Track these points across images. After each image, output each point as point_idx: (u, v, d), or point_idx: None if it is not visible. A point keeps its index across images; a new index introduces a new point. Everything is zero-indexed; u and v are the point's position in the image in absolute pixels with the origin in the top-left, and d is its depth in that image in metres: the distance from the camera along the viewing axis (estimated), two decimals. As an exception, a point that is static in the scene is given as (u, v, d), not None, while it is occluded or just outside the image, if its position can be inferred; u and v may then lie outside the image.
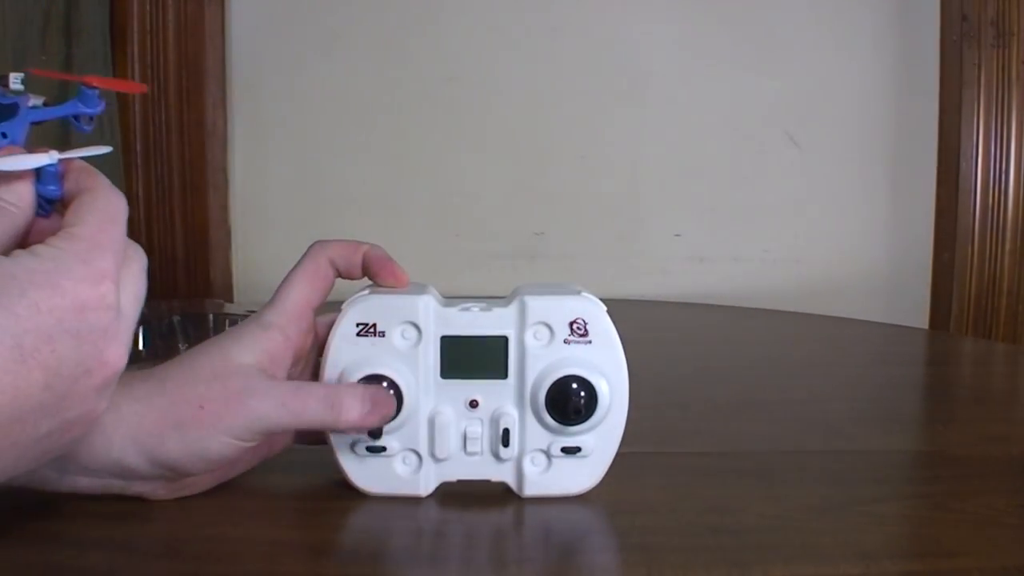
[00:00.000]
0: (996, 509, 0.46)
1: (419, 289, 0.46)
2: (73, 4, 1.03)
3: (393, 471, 0.46)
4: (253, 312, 0.46)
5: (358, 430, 0.44)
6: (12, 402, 0.31)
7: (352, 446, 0.45)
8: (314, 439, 0.47)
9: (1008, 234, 1.15)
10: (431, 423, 0.45)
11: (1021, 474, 0.52)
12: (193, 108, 1.15)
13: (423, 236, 1.20)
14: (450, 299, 0.46)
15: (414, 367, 0.44)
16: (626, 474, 0.49)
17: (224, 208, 1.20)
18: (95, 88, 0.38)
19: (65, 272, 0.33)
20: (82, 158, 0.37)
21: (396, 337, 0.44)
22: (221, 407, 0.41)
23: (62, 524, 0.42)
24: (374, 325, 0.44)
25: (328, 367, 0.44)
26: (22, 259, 0.33)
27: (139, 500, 0.43)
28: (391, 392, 0.43)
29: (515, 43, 1.21)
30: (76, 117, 0.39)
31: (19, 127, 0.37)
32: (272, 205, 1.22)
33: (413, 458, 0.46)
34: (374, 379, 0.43)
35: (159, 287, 1.16)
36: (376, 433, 0.45)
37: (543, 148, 1.22)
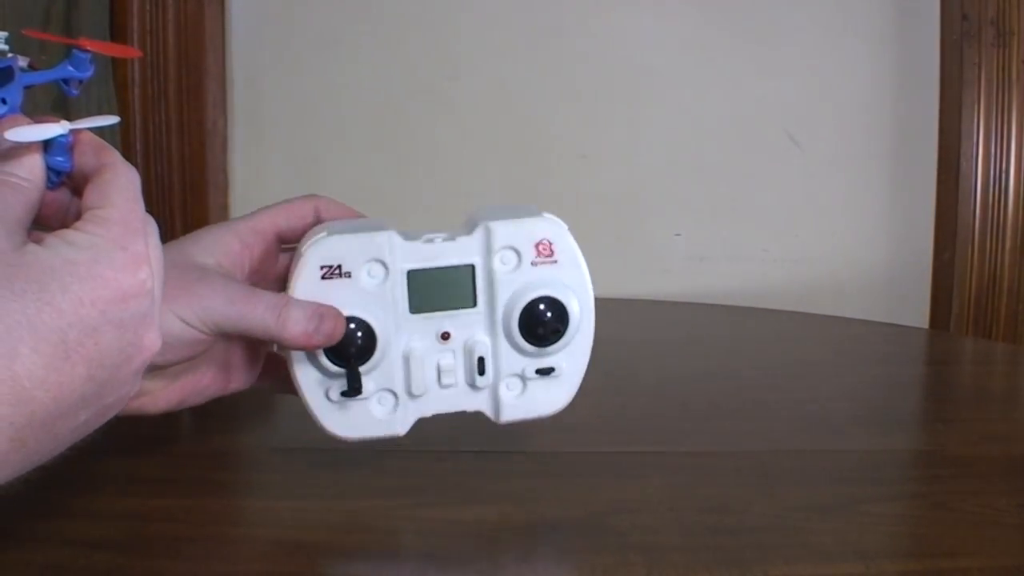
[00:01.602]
0: (996, 509, 0.46)
1: (378, 224, 0.45)
2: (73, 4, 1.03)
3: (370, 414, 0.45)
4: None
5: (301, 347, 0.42)
6: (56, 399, 0.31)
7: (326, 392, 0.44)
8: (280, 384, 0.46)
9: (1008, 234, 1.15)
10: (405, 360, 0.44)
11: (1021, 474, 0.52)
12: (193, 108, 1.15)
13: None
14: (408, 232, 0.45)
15: (383, 305, 0.43)
16: (626, 474, 0.49)
17: (224, 208, 1.20)
18: (88, 52, 0.37)
19: (106, 262, 0.32)
20: (91, 128, 0.36)
21: (363, 276, 0.43)
22: (174, 291, 0.40)
23: (62, 524, 0.42)
24: (339, 267, 0.43)
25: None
26: (60, 249, 0.32)
27: (139, 500, 0.43)
28: (342, 315, 0.42)
29: (515, 43, 1.20)
30: (66, 81, 0.37)
31: (15, 92, 0.36)
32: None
33: (389, 398, 0.45)
34: (349, 321, 0.43)
35: (159, 287, 1.16)
36: (354, 386, 0.43)
37: (543, 148, 1.22)
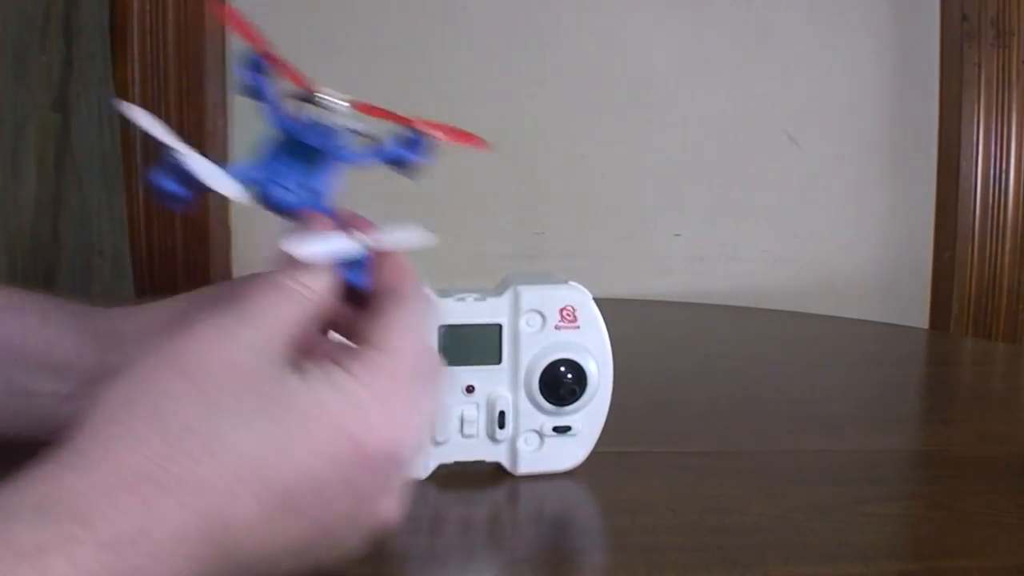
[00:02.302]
0: (996, 509, 0.46)
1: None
2: (73, 4, 1.03)
3: None
4: None
5: None
6: (261, 545, 0.27)
7: None
8: None
9: (1008, 234, 1.15)
10: None
11: (1021, 474, 0.52)
12: (193, 108, 1.15)
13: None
14: (441, 290, 0.47)
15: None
16: (626, 474, 0.49)
17: (224, 208, 1.20)
18: (434, 138, 0.33)
19: (359, 418, 0.28)
20: (397, 246, 0.32)
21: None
22: None
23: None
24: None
25: None
26: (317, 388, 0.28)
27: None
28: None
29: (515, 43, 1.20)
30: (398, 163, 0.34)
31: (330, 178, 0.32)
32: (272, 205, 1.22)
33: None
34: None
35: (159, 287, 1.16)
36: None
37: (543, 148, 1.22)
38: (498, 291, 0.47)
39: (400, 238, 0.32)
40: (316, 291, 0.30)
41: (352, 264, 0.31)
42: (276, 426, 0.27)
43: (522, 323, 0.47)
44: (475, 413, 0.47)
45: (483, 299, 0.47)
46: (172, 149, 0.30)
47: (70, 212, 1.04)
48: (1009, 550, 0.42)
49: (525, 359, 0.47)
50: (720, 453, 0.55)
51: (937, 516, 0.46)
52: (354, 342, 0.31)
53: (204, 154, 0.33)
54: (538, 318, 0.47)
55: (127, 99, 1.11)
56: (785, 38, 1.20)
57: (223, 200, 1.17)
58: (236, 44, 1.19)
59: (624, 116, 1.21)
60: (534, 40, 1.20)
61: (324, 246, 0.30)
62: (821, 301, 1.19)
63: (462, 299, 0.46)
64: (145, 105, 1.19)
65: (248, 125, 1.21)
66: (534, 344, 0.47)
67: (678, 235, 1.23)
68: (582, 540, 0.44)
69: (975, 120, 1.14)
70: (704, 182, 1.22)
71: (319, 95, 0.33)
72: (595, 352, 0.47)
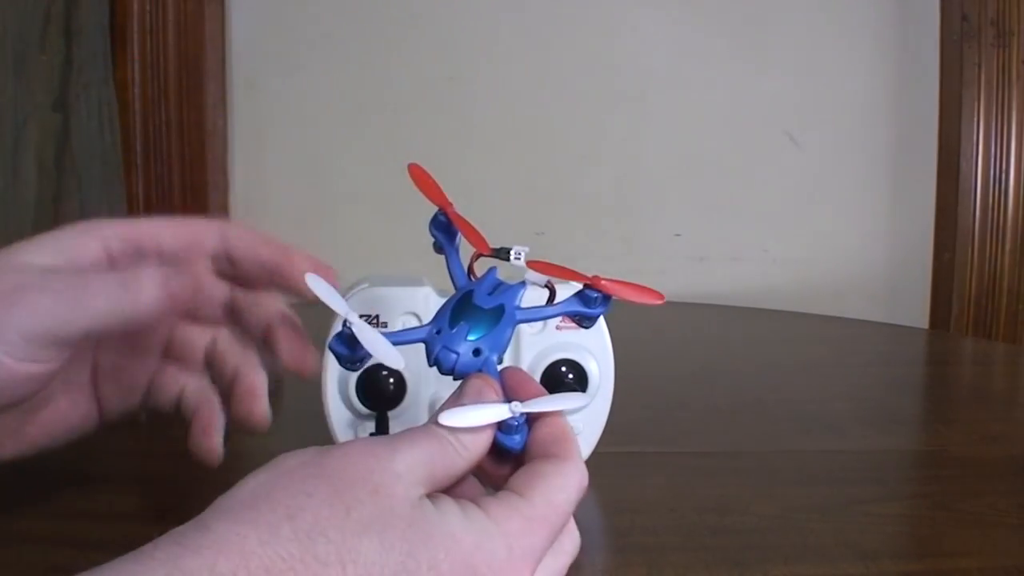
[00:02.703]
0: (996, 509, 0.46)
1: (416, 280, 0.47)
2: (73, 4, 1.03)
3: None
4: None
5: (167, 309, 0.35)
6: None
7: (356, 432, 0.46)
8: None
9: (1008, 234, 1.15)
10: (431, 408, 0.46)
11: (1021, 474, 0.52)
12: (193, 108, 1.15)
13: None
14: (443, 290, 0.46)
15: (415, 356, 0.45)
16: (626, 474, 0.49)
17: (224, 208, 1.20)
18: (602, 293, 0.33)
19: (486, 554, 0.28)
20: (552, 409, 0.32)
21: (397, 327, 0.45)
22: None
23: (62, 524, 0.42)
24: (376, 316, 0.45)
25: (331, 360, 0.45)
26: (449, 516, 0.28)
27: (140, 500, 0.43)
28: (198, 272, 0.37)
29: (515, 43, 1.21)
30: (577, 317, 0.34)
31: (501, 336, 0.32)
32: (272, 205, 1.22)
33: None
34: (378, 368, 0.44)
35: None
36: (382, 429, 0.44)
37: (543, 148, 1.22)
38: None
39: (558, 402, 0.32)
40: (470, 450, 0.30)
41: (509, 429, 0.31)
42: (407, 549, 0.27)
43: (523, 323, 0.47)
44: None
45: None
46: (345, 319, 0.32)
47: (70, 212, 1.04)
48: (1009, 550, 0.42)
49: (526, 359, 0.47)
50: (720, 453, 0.55)
51: (937, 516, 0.46)
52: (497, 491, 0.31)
53: (378, 322, 0.39)
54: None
55: (127, 99, 1.11)
56: (785, 38, 1.20)
57: (222, 200, 1.16)
58: (236, 46, 1.19)
59: (624, 116, 1.21)
60: (534, 40, 1.20)
61: (481, 416, 0.30)
62: (821, 301, 1.19)
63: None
64: (145, 105, 1.20)
65: (248, 125, 1.21)
66: (535, 344, 0.46)
67: (678, 235, 1.23)
68: (582, 540, 0.44)
69: (975, 120, 1.14)
70: (704, 182, 1.22)
71: (502, 253, 0.34)
72: (596, 352, 0.47)
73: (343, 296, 0.43)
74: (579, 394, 0.33)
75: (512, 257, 0.34)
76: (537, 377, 0.46)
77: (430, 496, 0.28)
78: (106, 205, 1.08)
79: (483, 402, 0.31)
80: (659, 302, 0.34)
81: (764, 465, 0.53)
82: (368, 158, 1.21)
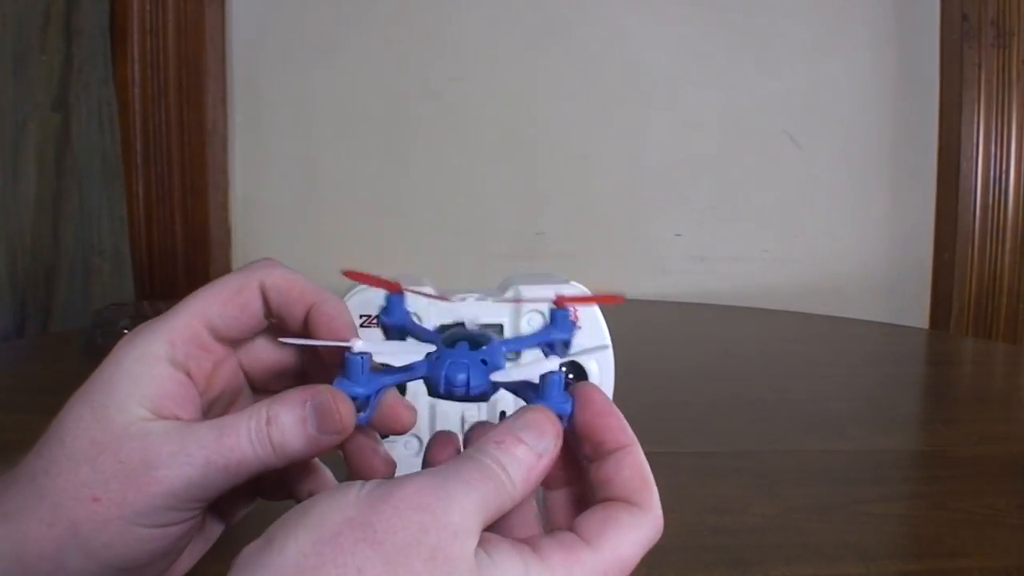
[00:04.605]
0: (996, 509, 0.46)
1: (416, 280, 0.47)
2: (73, 4, 1.03)
3: (395, 455, 0.47)
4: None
5: (312, 456, 0.32)
6: None
7: None
8: (280, 491, 0.36)
9: (1008, 234, 1.15)
10: (432, 409, 0.46)
11: (1021, 474, 0.52)
12: (193, 108, 1.15)
13: (423, 236, 1.20)
14: (443, 290, 0.47)
15: (415, 356, 0.45)
16: (626, 474, 0.49)
17: (224, 208, 1.20)
18: (566, 309, 0.33)
19: None
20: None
21: None
22: (121, 492, 0.29)
23: None
24: (377, 317, 0.45)
25: None
26: (506, 568, 0.26)
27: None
28: (340, 392, 0.31)
29: (516, 43, 1.21)
30: (550, 345, 0.34)
31: (499, 353, 0.31)
32: (272, 205, 1.22)
33: (415, 442, 0.47)
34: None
35: (159, 287, 1.16)
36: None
37: (543, 148, 1.22)
38: (498, 291, 0.47)
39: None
40: (523, 487, 0.28)
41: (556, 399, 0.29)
42: None
43: (523, 323, 0.46)
44: (476, 413, 0.47)
45: (484, 299, 0.47)
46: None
47: (70, 212, 1.04)
48: (1009, 550, 0.42)
49: (526, 359, 0.47)
50: (720, 453, 0.55)
51: (937, 516, 0.46)
52: (565, 526, 0.29)
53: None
54: (539, 318, 0.47)
55: (127, 99, 1.12)
56: (785, 38, 1.20)
57: (222, 200, 1.16)
58: (236, 46, 1.19)
59: (624, 116, 1.21)
60: (535, 40, 1.20)
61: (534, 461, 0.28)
62: (821, 301, 1.19)
63: (463, 299, 0.46)
64: (145, 105, 1.20)
65: (248, 125, 1.21)
66: None
67: (678, 235, 1.23)
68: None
69: (975, 120, 1.14)
70: (704, 182, 1.22)
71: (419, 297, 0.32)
72: (596, 352, 0.47)
73: (343, 296, 0.43)
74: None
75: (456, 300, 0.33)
76: (537, 377, 0.46)
77: (484, 542, 0.26)
78: (106, 205, 1.08)
79: (543, 438, 0.28)
80: (619, 301, 0.33)
81: (764, 465, 0.53)
82: (368, 158, 1.21)
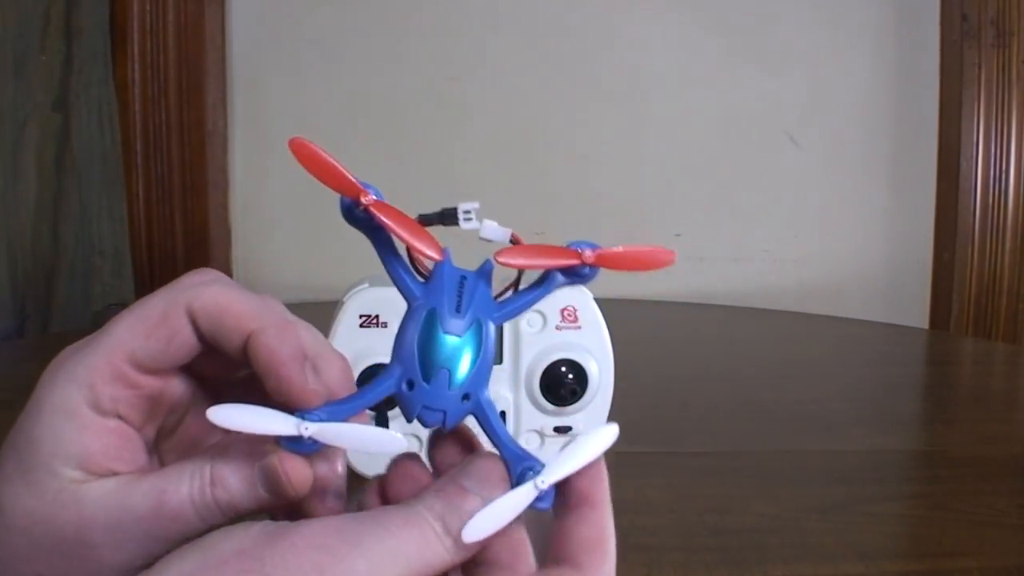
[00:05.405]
0: (996, 509, 0.46)
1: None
2: (73, 4, 1.03)
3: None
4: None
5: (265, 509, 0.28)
6: None
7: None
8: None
9: (1008, 234, 1.15)
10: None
11: (1021, 474, 0.52)
12: (193, 108, 1.15)
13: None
14: None
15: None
16: (626, 474, 0.49)
17: (224, 208, 1.20)
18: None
19: None
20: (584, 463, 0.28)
21: (397, 327, 0.45)
22: (63, 568, 0.26)
23: None
24: (376, 317, 0.45)
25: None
26: None
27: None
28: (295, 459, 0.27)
29: (516, 43, 1.21)
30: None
31: (487, 363, 0.27)
32: (272, 205, 1.22)
33: (415, 442, 0.47)
34: (377, 368, 0.44)
35: (159, 287, 1.16)
36: (382, 420, 0.45)
37: (543, 148, 1.22)
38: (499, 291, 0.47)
39: (574, 462, 0.27)
40: (462, 548, 0.25)
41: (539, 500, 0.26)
42: None
43: (523, 323, 0.46)
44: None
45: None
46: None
47: (70, 212, 1.04)
48: (1009, 550, 0.42)
49: (526, 359, 0.47)
50: (720, 453, 0.55)
51: (937, 516, 0.46)
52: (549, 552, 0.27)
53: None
54: (539, 318, 0.47)
55: (127, 99, 1.12)
56: (785, 38, 1.20)
57: (222, 200, 1.16)
58: (236, 46, 1.19)
59: (624, 116, 1.21)
60: (534, 40, 1.20)
61: (505, 511, 0.25)
62: (822, 301, 1.19)
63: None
64: (145, 105, 1.20)
65: (248, 125, 1.21)
66: (535, 344, 0.46)
67: (678, 235, 1.23)
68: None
69: (975, 120, 1.14)
70: (704, 182, 1.22)
71: (447, 217, 0.27)
72: (596, 352, 0.47)
73: (343, 296, 0.43)
74: (611, 427, 0.28)
75: (462, 219, 0.28)
76: (537, 375, 0.46)
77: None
78: (106, 205, 1.08)
79: (491, 496, 0.25)
80: (670, 261, 0.28)
81: (764, 465, 0.53)
82: (368, 158, 1.21)
